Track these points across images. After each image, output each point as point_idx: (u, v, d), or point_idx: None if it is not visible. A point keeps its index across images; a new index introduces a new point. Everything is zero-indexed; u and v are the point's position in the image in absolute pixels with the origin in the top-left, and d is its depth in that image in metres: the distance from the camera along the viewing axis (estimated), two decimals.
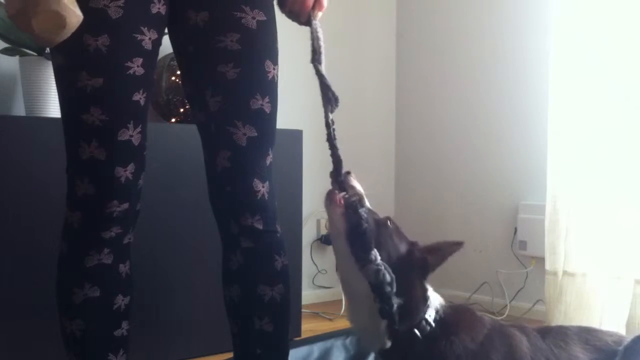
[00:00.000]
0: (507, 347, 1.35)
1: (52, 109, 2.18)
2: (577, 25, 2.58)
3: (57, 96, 2.16)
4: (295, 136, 2.51)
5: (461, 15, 3.26)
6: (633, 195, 2.47)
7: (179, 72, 2.39)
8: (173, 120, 2.46)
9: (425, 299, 1.35)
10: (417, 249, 1.38)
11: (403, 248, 1.36)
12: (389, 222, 1.38)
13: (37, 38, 1.18)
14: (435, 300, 1.37)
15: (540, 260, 2.77)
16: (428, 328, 1.32)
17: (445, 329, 1.34)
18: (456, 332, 1.33)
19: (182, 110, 2.44)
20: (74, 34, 1.20)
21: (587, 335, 1.46)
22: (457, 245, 1.37)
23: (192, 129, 2.25)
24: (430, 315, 1.34)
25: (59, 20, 1.14)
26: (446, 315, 1.36)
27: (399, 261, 1.33)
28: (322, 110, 1.38)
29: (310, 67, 1.38)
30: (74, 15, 1.16)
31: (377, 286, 1.28)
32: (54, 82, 2.13)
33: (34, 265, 1.93)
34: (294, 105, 2.73)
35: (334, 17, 3.52)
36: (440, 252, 1.37)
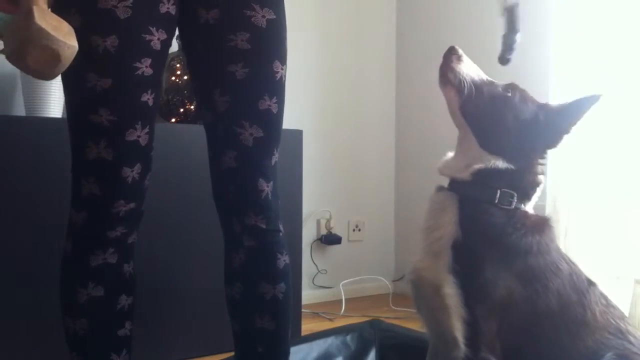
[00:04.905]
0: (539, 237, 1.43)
1: (52, 109, 2.18)
2: (577, 25, 2.58)
3: (57, 96, 2.19)
4: (296, 136, 2.51)
5: (461, 15, 3.25)
6: (633, 196, 2.47)
7: (179, 73, 2.43)
8: (173, 120, 2.45)
9: (537, 178, 1.44)
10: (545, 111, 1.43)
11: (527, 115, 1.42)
12: (509, 92, 1.46)
13: (35, 74, 1.19)
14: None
15: None
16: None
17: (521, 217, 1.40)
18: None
19: (182, 110, 2.44)
20: (81, 34, 1.20)
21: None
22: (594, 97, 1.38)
23: (191, 129, 2.27)
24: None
25: (52, 54, 1.14)
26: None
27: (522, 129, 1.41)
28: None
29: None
30: (67, 48, 1.16)
31: None
32: (54, 83, 2.14)
33: (35, 265, 1.93)
34: (294, 105, 2.72)
35: (334, 17, 3.53)
36: (573, 109, 1.42)
